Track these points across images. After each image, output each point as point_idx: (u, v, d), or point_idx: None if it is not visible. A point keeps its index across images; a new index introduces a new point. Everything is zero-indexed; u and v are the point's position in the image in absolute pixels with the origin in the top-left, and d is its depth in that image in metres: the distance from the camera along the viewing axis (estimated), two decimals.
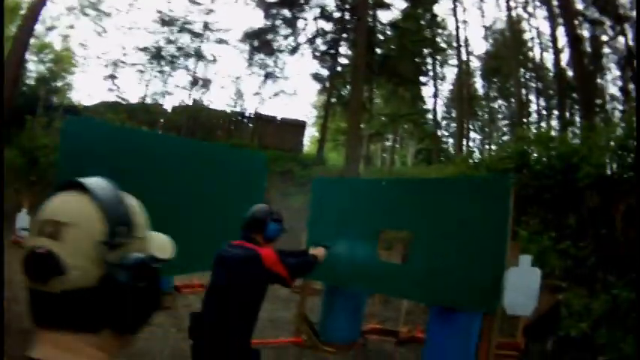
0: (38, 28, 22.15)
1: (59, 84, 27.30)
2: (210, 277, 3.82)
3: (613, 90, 27.87)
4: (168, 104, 27.04)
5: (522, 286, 6.49)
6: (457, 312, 6.17)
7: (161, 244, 1.14)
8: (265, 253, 3.59)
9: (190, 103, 25.71)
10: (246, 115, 24.97)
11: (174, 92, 27.10)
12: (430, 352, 6.51)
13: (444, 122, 38.16)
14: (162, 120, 24.91)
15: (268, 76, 25.69)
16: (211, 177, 6.04)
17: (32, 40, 21.13)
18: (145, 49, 26.08)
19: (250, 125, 24.40)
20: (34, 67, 26.31)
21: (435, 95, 33.74)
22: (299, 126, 24.57)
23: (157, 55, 25.94)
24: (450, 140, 35.74)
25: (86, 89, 50.70)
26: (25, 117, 21.48)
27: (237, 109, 26.21)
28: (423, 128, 33.41)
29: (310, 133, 38.99)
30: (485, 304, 5.39)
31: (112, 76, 26.26)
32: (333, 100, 25.80)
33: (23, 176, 18.88)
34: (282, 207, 15.69)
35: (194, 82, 26.10)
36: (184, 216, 5.57)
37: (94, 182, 1.02)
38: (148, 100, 26.16)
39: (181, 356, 6.43)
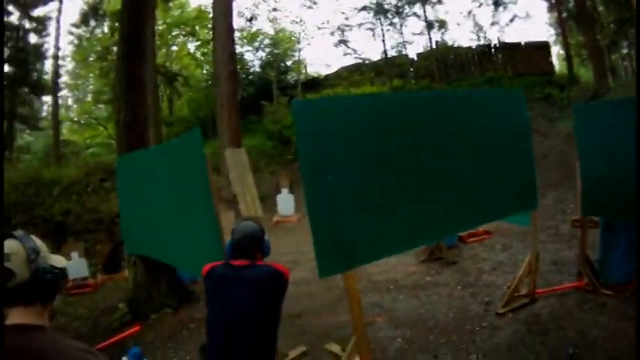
0: (238, 21, 23.32)
1: (289, 63, 28.46)
2: (219, 302, 3.38)
3: None
4: (411, 53, 26.85)
5: None
6: None
7: (57, 259, 1.89)
8: (283, 268, 3.43)
9: (433, 46, 24.93)
10: (492, 46, 23.52)
11: (413, 40, 26.61)
12: None
13: None
14: (411, 70, 24.75)
15: (497, 3, 24.10)
16: (474, 126, 5.52)
17: (237, 35, 22.16)
18: (364, 8, 26.01)
19: (499, 56, 22.94)
20: (251, 56, 27.77)
21: None
22: (544, 47, 22.65)
23: (379, 10, 25.67)
24: None
25: (320, 60, 52.14)
26: (261, 103, 22.90)
27: (481, 42, 24.91)
28: None
29: (554, 53, 36.33)
30: None
31: (343, 41, 26.57)
32: (564, 15, 23.40)
33: (277, 158, 20.06)
34: (551, 134, 14.89)
35: (429, 25, 25.11)
36: (457, 172, 5.19)
37: (19, 235, 1.78)
38: (391, 54, 25.95)
39: (466, 318, 6.13)
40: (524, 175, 6.07)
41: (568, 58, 22.19)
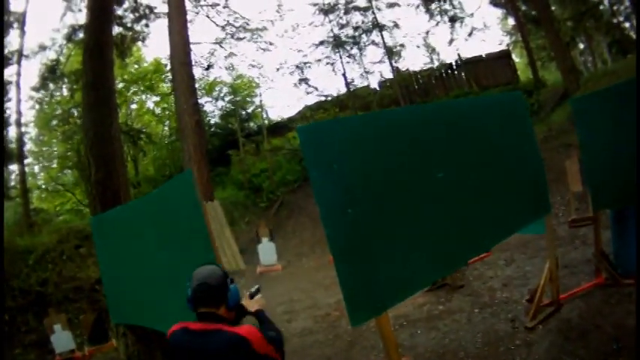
0: (195, 71, 22.18)
1: (250, 110, 28.32)
2: None
3: None
4: (373, 83, 26.35)
5: None
6: None
7: None
8: (250, 334, 2.68)
9: (394, 73, 24.63)
10: (454, 63, 23.59)
11: (373, 70, 26.50)
12: None
13: (614, 7, 33.95)
14: (372, 100, 24.43)
15: (453, 19, 24.37)
16: (484, 135, 5.20)
17: (197, 85, 21.80)
18: (322, 43, 25.94)
19: (462, 72, 23.06)
20: (211, 107, 27.55)
21: None
22: (506, 56, 22.86)
23: (337, 42, 25.62)
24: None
25: (283, 102, 52.43)
26: (228, 153, 22.68)
27: (437, 63, 25.06)
28: (604, 21, 30.04)
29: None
30: None
31: (304, 80, 26.27)
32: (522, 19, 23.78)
33: (250, 208, 19.75)
34: None
35: (389, 51, 25.00)
36: (475, 187, 4.82)
37: None
38: (352, 87, 25.77)
39: (496, 340, 5.82)
40: (535, 178, 5.81)
41: (532, 63, 22.37)
